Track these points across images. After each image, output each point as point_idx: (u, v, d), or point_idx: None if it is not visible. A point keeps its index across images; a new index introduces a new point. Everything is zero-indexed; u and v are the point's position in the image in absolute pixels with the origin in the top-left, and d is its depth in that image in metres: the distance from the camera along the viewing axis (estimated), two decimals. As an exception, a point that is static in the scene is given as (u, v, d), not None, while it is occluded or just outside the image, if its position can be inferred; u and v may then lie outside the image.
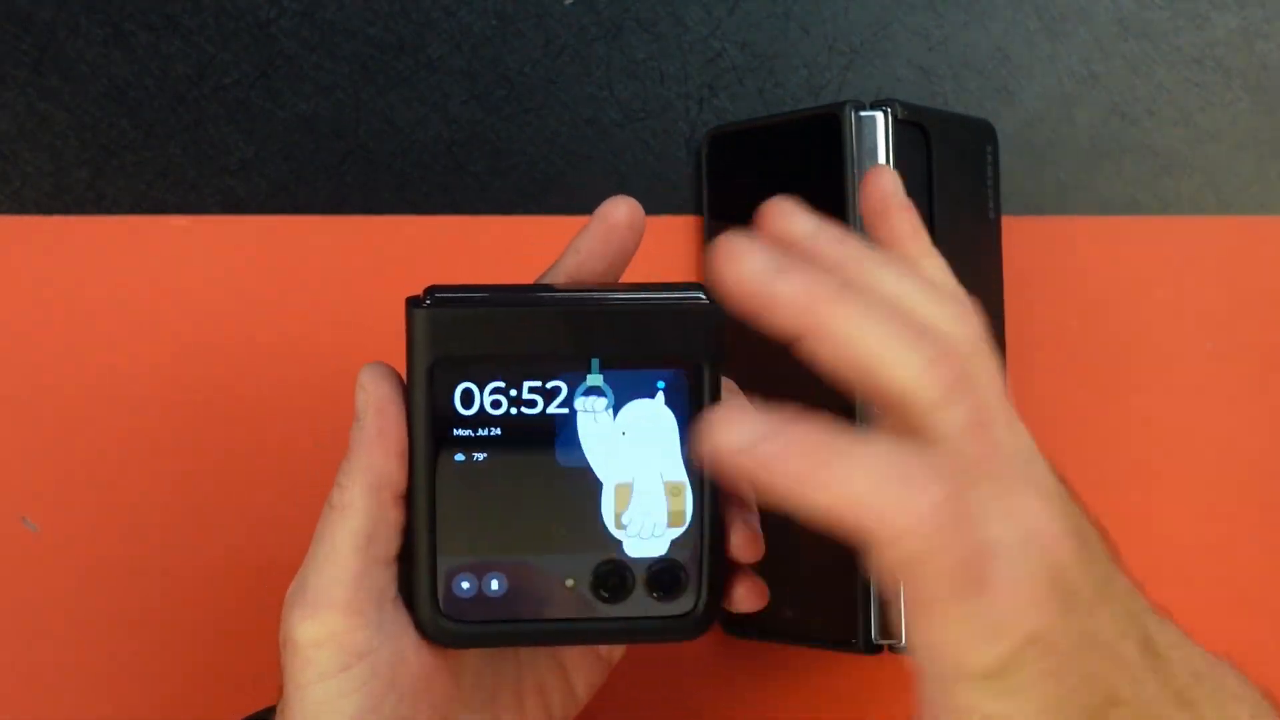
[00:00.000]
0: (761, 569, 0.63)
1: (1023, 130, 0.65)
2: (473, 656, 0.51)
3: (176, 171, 0.64)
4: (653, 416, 0.49)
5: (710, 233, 0.64)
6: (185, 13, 0.64)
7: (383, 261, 0.64)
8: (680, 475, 0.49)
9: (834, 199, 0.59)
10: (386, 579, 0.48)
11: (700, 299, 0.49)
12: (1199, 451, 0.65)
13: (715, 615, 0.50)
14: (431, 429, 0.48)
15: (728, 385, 0.50)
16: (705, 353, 0.49)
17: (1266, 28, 0.66)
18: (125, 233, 0.64)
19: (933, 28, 0.65)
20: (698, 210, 0.65)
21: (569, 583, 0.49)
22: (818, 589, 0.61)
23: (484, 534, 0.49)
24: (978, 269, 0.63)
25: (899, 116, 0.59)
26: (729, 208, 0.64)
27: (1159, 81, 0.66)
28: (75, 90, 0.64)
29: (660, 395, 0.49)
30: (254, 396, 0.63)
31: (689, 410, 0.49)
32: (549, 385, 0.49)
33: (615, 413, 0.49)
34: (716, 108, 0.65)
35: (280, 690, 0.49)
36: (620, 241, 0.50)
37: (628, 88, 0.65)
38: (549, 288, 0.50)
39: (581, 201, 0.64)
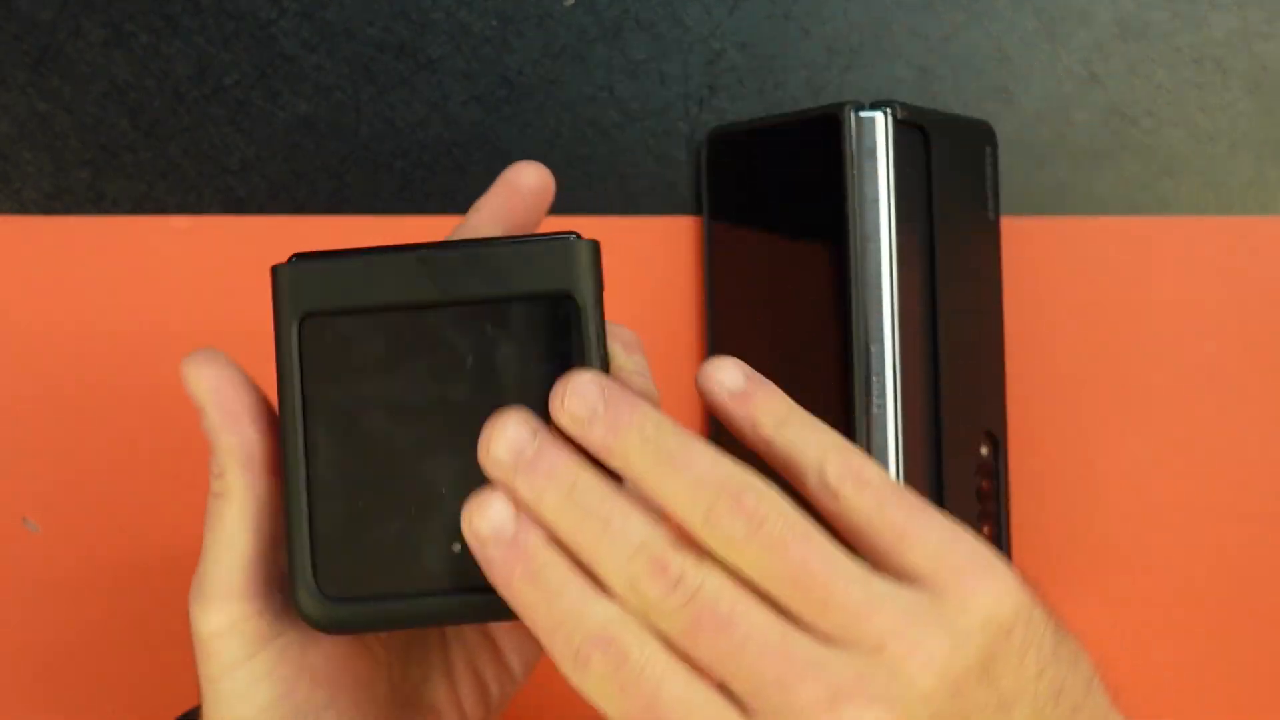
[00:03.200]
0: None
1: (1022, 130, 0.65)
2: (388, 639, 0.50)
3: (177, 172, 0.64)
4: (530, 360, 0.46)
5: (710, 233, 0.64)
6: (185, 13, 0.64)
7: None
8: None
9: (834, 200, 0.59)
10: (275, 559, 0.47)
11: (569, 237, 0.46)
12: (1199, 451, 0.65)
13: None
14: (302, 390, 0.45)
15: (618, 331, 0.48)
16: (576, 287, 0.45)
17: (1266, 29, 0.66)
18: (125, 233, 0.64)
19: (932, 28, 0.65)
20: (698, 210, 0.65)
21: (455, 548, 0.45)
22: None
23: (362, 497, 0.45)
24: (976, 269, 0.63)
25: (899, 117, 0.59)
26: (729, 208, 0.64)
27: (1158, 82, 0.66)
28: (76, 91, 0.64)
29: (540, 336, 0.46)
30: (254, 397, 0.63)
31: (569, 350, 0.45)
32: (420, 336, 0.46)
33: (492, 358, 0.46)
34: (716, 108, 0.65)
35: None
36: (524, 206, 0.50)
37: (628, 88, 0.65)
38: (416, 243, 0.47)
39: (581, 201, 0.64)
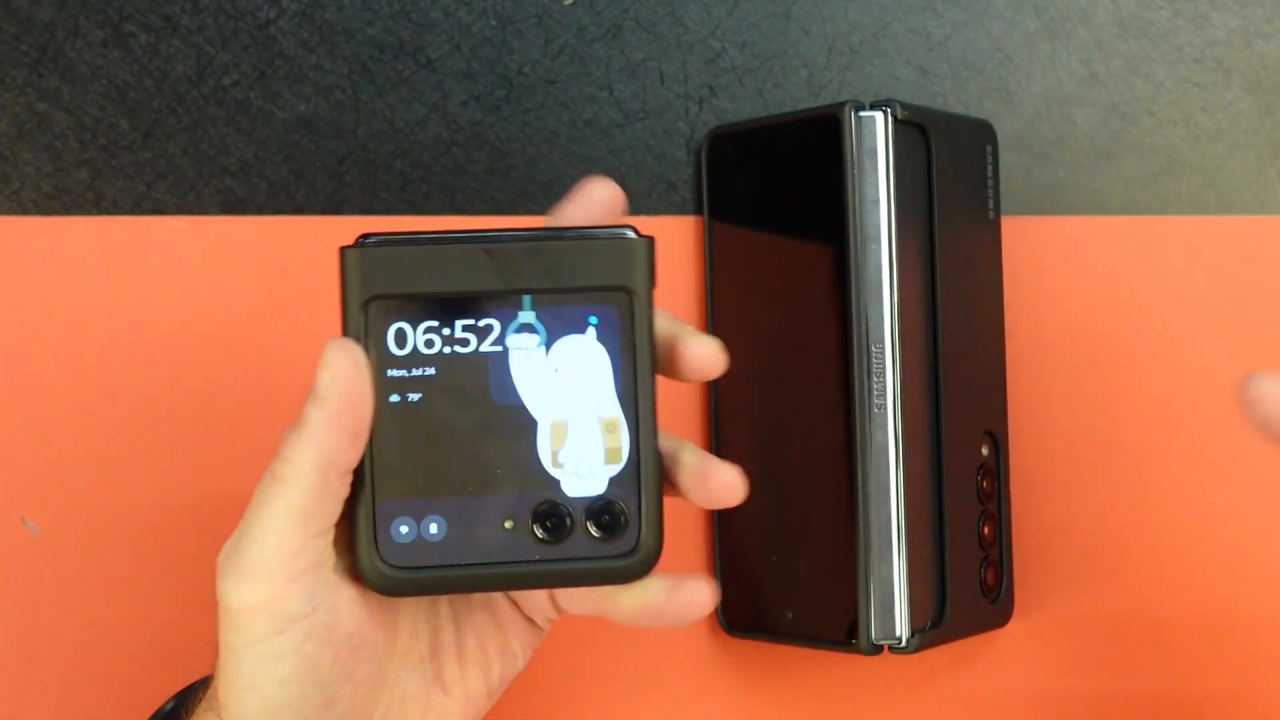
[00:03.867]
0: (762, 569, 0.63)
1: (1023, 130, 0.65)
2: (409, 614, 0.52)
3: (176, 172, 0.64)
4: (585, 352, 0.49)
5: (710, 233, 0.64)
6: (185, 13, 0.64)
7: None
8: (615, 411, 0.49)
9: (834, 200, 0.59)
10: (324, 549, 0.48)
11: (627, 233, 0.49)
12: (1199, 451, 0.65)
13: (656, 555, 0.49)
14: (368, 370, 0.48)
15: (664, 313, 0.50)
16: (633, 283, 0.49)
17: (1266, 27, 0.66)
18: (125, 233, 0.64)
19: (933, 28, 0.65)
20: (698, 210, 0.65)
21: (508, 524, 0.49)
22: (818, 589, 0.61)
23: (421, 476, 0.49)
24: (977, 269, 0.63)
25: (899, 117, 0.59)
26: (729, 208, 0.64)
27: (1159, 81, 0.66)
28: (75, 91, 0.64)
29: (592, 330, 0.49)
30: (254, 397, 0.63)
31: (621, 345, 0.49)
32: (481, 323, 0.48)
33: (548, 349, 0.49)
34: (716, 108, 0.65)
35: (216, 653, 0.49)
36: (599, 218, 0.51)
37: (628, 88, 0.65)
38: (481, 230, 0.49)
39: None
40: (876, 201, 0.59)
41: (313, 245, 0.64)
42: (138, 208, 0.64)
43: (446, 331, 0.49)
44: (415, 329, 0.48)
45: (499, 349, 0.49)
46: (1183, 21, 0.66)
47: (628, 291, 0.49)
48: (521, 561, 0.49)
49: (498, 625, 0.53)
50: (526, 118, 0.65)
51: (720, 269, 0.64)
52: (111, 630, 0.63)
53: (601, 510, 0.49)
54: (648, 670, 0.64)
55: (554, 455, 0.49)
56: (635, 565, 0.49)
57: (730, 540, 0.63)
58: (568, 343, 0.49)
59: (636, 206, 0.65)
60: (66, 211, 0.64)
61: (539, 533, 0.49)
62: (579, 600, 0.53)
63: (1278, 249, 0.66)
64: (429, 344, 0.49)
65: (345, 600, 0.49)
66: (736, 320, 0.63)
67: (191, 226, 0.64)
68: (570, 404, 0.49)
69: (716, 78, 0.65)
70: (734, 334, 0.63)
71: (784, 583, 0.62)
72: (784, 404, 0.62)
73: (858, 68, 0.65)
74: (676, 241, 0.65)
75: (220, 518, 0.63)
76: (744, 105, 0.65)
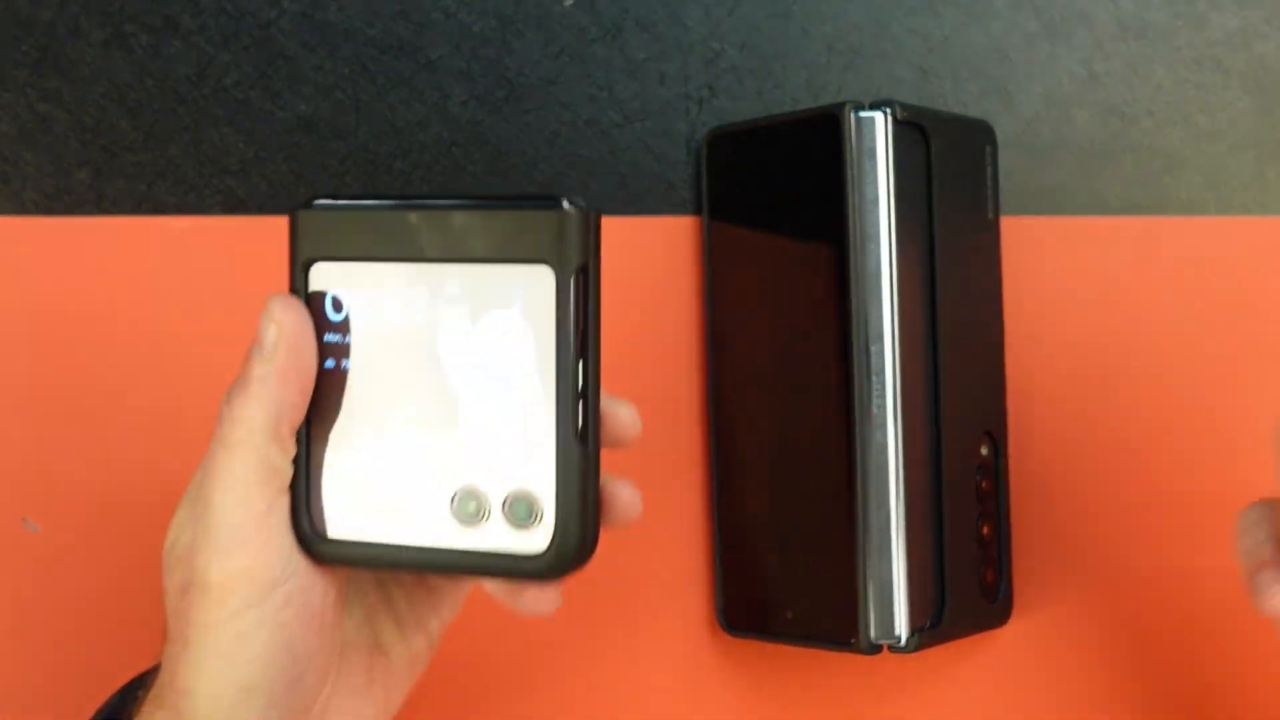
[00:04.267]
0: (762, 569, 0.63)
1: (1022, 130, 0.65)
2: (357, 583, 0.52)
3: (177, 172, 0.64)
4: (511, 329, 0.46)
5: (710, 233, 0.64)
6: (185, 14, 0.64)
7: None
8: (538, 397, 0.45)
9: (834, 200, 0.59)
10: (285, 510, 0.48)
11: (561, 204, 0.45)
12: (1200, 451, 0.65)
13: (570, 558, 0.45)
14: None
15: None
16: (560, 257, 0.45)
17: (1265, 28, 0.66)
18: (125, 233, 0.64)
19: (932, 28, 0.65)
20: (698, 210, 0.65)
21: (432, 504, 0.47)
22: (818, 589, 0.61)
23: (355, 448, 0.48)
24: (976, 269, 0.63)
25: (899, 117, 0.59)
26: (729, 208, 0.64)
27: (1158, 82, 0.66)
28: (76, 91, 0.64)
29: (519, 306, 0.45)
30: (254, 397, 0.63)
31: (549, 325, 0.45)
32: (411, 293, 0.47)
33: (475, 324, 0.46)
34: (716, 108, 0.65)
35: (164, 641, 0.49)
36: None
37: (628, 88, 0.65)
38: (427, 194, 0.50)
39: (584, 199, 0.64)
40: (876, 201, 0.59)
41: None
42: (138, 208, 0.64)
43: (378, 301, 0.47)
44: (352, 296, 0.47)
45: (427, 320, 0.46)
46: (1182, 22, 0.66)
47: (558, 266, 0.44)
48: (442, 548, 0.47)
49: (423, 582, 0.53)
50: (526, 118, 0.65)
51: (720, 269, 0.64)
52: (111, 630, 0.63)
53: (517, 500, 0.46)
54: (647, 670, 0.64)
55: (475, 436, 0.46)
56: (546, 565, 0.46)
57: (730, 540, 0.63)
58: (494, 317, 0.46)
59: (637, 206, 0.65)
60: (67, 211, 0.64)
61: (459, 517, 0.47)
62: None
63: (1277, 249, 0.66)
64: (362, 312, 0.47)
65: (307, 566, 0.48)
66: (736, 320, 0.63)
67: (192, 226, 0.64)
68: (494, 384, 0.46)
69: (716, 78, 0.65)
70: (734, 334, 0.63)
71: (784, 583, 0.62)
72: (783, 404, 0.62)
73: (858, 68, 0.65)
74: (676, 241, 0.65)
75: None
76: (744, 105, 0.65)
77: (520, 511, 0.46)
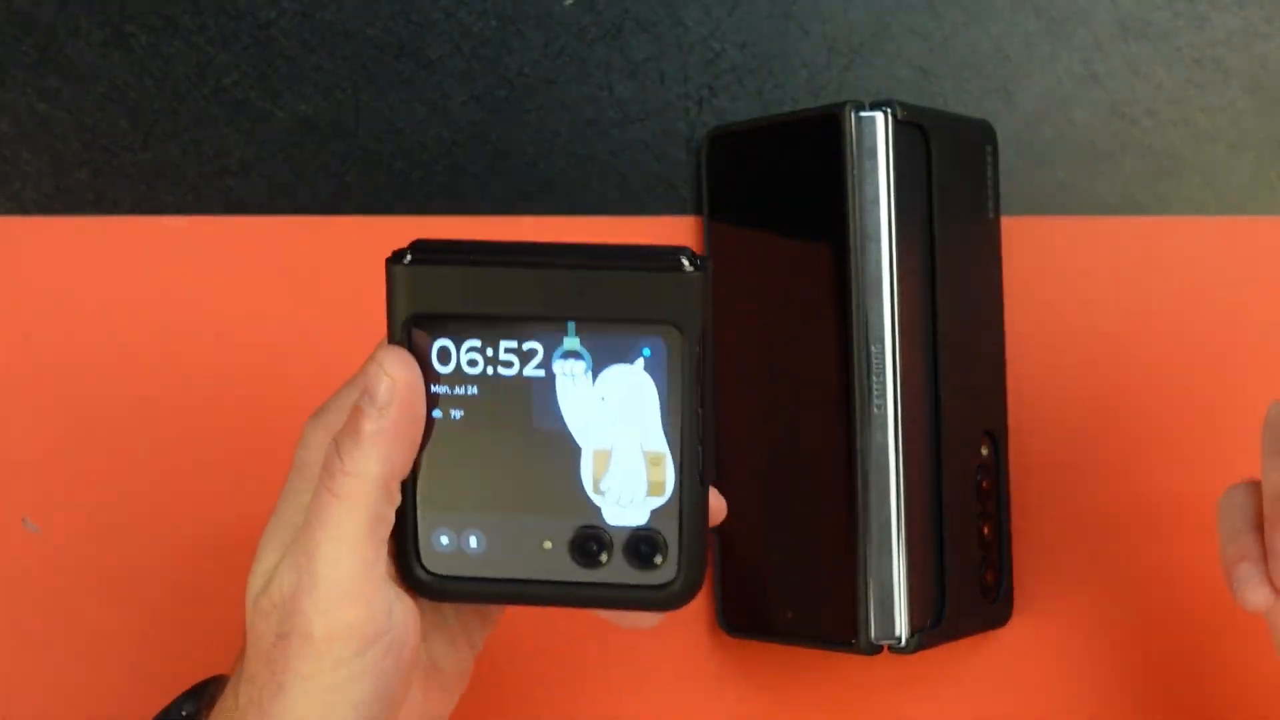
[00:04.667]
0: (762, 569, 0.63)
1: (1023, 130, 0.65)
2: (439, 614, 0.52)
3: (176, 172, 0.64)
4: (633, 383, 0.48)
5: (710, 233, 0.64)
6: (185, 14, 0.64)
7: (382, 262, 0.64)
8: (661, 445, 0.48)
9: (834, 200, 0.59)
10: (387, 560, 0.48)
11: (683, 264, 0.47)
12: (1199, 451, 0.65)
13: (695, 588, 0.48)
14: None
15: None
16: (684, 319, 0.47)
17: (1266, 28, 0.66)
18: (125, 233, 0.64)
19: (933, 28, 0.65)
20: (698, 210, 0.65)
21: (546, 545, 0.49)
22: (818, 589, 0.61)
23: (462, 492, 0.49)
24: (976, 269, 0.63)
25: (899, 117, 0.59)
26: (729, 208, 0.64)
27: (1159, 82, 0.66)
28: (75, 91, 0.64)
29: (640, 362, 0.47)
30: (254, 396, 0.63)
31: (670, 377, 0.47)
32: (525, 346, 0.48)
33: (594, 377, 0.48)
34: (716, 108, 0.65)
35: (243, 678, 0.48)
36: None
37: (628, 88, 0.65)
38: (533, 246, 0.49)
39: (581, 201, 0.64)
40: (876, 201, 0.59)
41: (313, 245, 0.64)
42: (138, 208, 0.64)
43: (490, 352, 0.48)
44: (459, 348, 0.48)
45: (543, 373, 0.48)
46: (1183, 22, 0.66)
47: (678, 326, 0.47)
48: (558, 582, 0.49)
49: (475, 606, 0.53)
50: (526, 118, 0.65)
51: (720, 269, 0.64)
52: (111, 630, 0.63)
53: (641, 541, 0.48)
54: (647, 670, 0.64)
55: (596, 483, 0.48)
56: (672, 597, 0.48)
57: (730, 540, 0.63)
58: (615, 371, 0.48)
59: (637, 206, 0.65)
60: (67, 211, 0.64)
61: (577, 557, 0.49)
62: None
63: (1278, 249, 0.66)
64: (472, 363, 0.48)
65: (406, 610, 0.48)
66: (736, 320, 0.63)
67: (191, 226, 0.64)
68: (615, 433, 0.48)
69: (716, 78, 0.65)
70: (734, 334, 0.63)
71: (784, 583, 0.62)
72: (784, 404, 0.62)
73: (858, 68, 0.65)
74: (676, 241, 0.65)
75: (219, 515, 0.63)
76: (744, 105, 0.65)
77: (645, 552, 0.48)
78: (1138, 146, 0.65)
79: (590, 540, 0.48)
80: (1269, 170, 0.66)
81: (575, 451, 0.48)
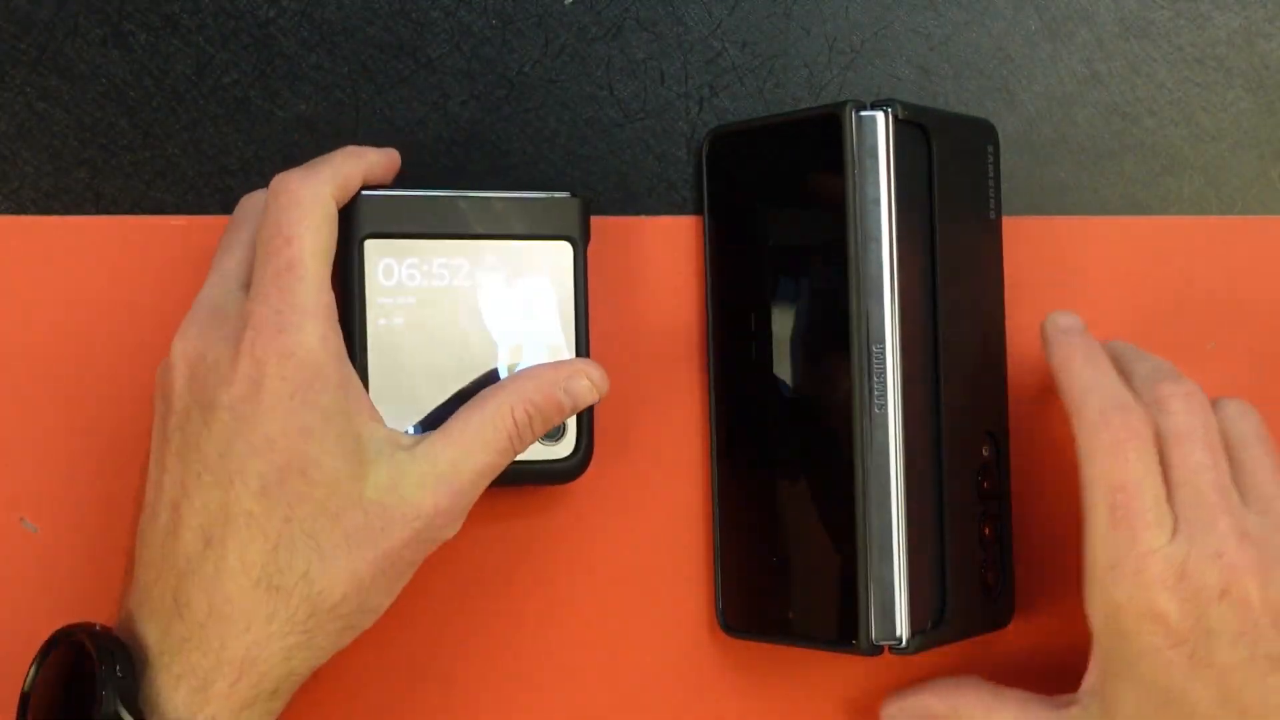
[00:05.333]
0: (762, 569, 0.63)
1: (1023, 130, 0.65)
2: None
3: (175, 171, 0.64)
4: (538, 288, 0.60)
5: (710, 233, 0.64)
6: (184, 12, 0.64)
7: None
8: (559, 338, 0.60)
9: (834, 199, 0.59)
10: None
11: (569, 195, 0.60)
12: (1200, 452, 0.65)
13: (587, 462, 0.61)
14: (362, 297, 0.59)
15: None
16: (575, 235, 0.60)
17: (1268, 27, 0.66)
18: (124, 233, 0.64)
19: (933, 27, 0.65)
20: (698, 210, 0.65)
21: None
22: (818, 589, 0.61)
23: (403, 386, 0.59)
24: (978, 269, 0.63)
25: (899, 116, 0.59)
26: (729, 208, 0.64)
27: (1160, 81, 0.65)
28: (74, 90, 0.64)
29: (546, 272, 0.60)
30: (253, 397, 0.63)
31: (566, 284, 0.60)
32: (454, 262, 0.60)
33: (509, 285, 0.60)
34: (716, 108, 0.65)
35: None
36: None
37: (628, 88, 0.65)
38: (456, 189, 0.60)
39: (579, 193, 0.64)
40: (878, 201, 0.59)
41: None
42: (137, 207, 0.64)
43: (425, 268, 0.60)
44: (400, 264, 0.59)
45: (469, 284, 0.60)
46: (1184, 21, 0.66)
47: (571, 240, 0.60)
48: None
49: None
50: (526, 117, 0.65)
51: (720, 269, 0.64)
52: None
53: None
54: (647, 670, 0.64)
55: (510, 370, 0.60)
56: (573, 467, 0.61)
57: (730, 541, 0.63)
58: (525, 279, 0.60)
59: (637, 206, 0.65)
60: (66, 211, 0.64)
61: None
62: None
63: (1278, 249, 0.66)
64: (411, 277, 0.59)
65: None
66: (736, 320, 0.63)
67: (191, 226, 0.64)
68: (524, 330, 0.60)
69: (717, 77, 0.65)
70: (732, 333, 0.63)
71: (784, 583, 0.62)
72: (784, 404, 0.62)
73: (858, 67, 0.65)
74: (676, 241, 0.65)
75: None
76: (744, 105, 0.65)
77: (552, 430, 0.60)
78: (1139, 146, 0.65)
79: None
80: (1270, 170, 0.65)
81: (494, 346, 0.60)
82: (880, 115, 0.59)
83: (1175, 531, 0.55)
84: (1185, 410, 0.57)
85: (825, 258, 0.60)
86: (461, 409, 0.56)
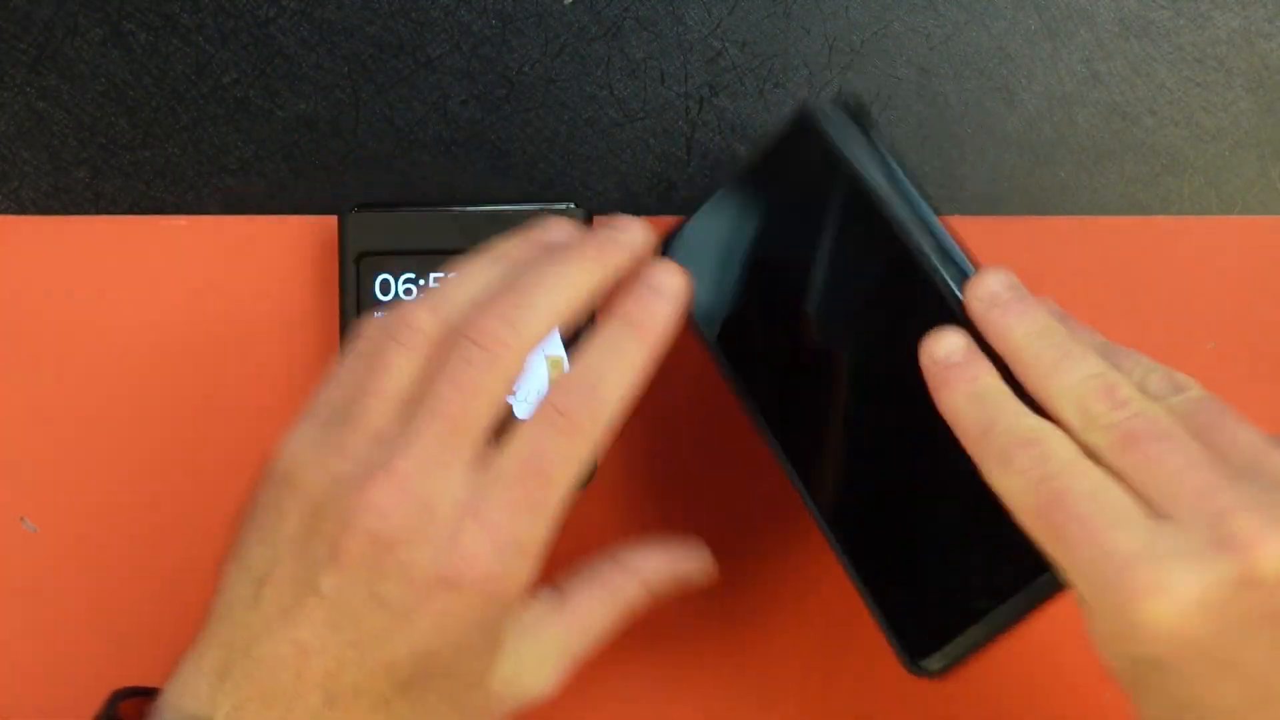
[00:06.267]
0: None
1: (1023, 130, 0.65)
2: None
3: (175, 171, 0.64)
4: None
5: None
6: (184, 12, 0.64)
7: (382, 261, 0.64)
8: (558, 350, 0.59)
9: (852, 193, 0.55)
10: None
11: (571, 206, 0.61)
12: (1200, 452, 0.65)
13: (590, 475, 0.59)
14: (358, 312, 0.60)
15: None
16: None
17: (1268, 27, 0.66)
18: (124, 233, 0.64)
19: (934, 27, 0.65)
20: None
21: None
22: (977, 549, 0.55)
23: None
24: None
25: (849, 104, 0.55)
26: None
27: (1160, 81, 0.65)
28: (74, 90, 0.64)
29: None
30: (254, 396, 0.63)
31: None
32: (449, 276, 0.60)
33: None
34: (717, 107, 0.65)
35: None
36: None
37: (628, 87, 0.65)
38: (453, 202, 0.62)
39: (581, 201, 0.64)
40: (892, 174, 0.54)
41: (312, 245, 0.64)
42: (137, 207, 0.64)
43: (422, 282, 0.60)
44: (397, 279, 0.60)
45: None
46: (1185, 21, 0.66)
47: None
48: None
49: None
50: (526, 117, 0.65)
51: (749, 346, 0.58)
52: (110, 630, 0.63)
53: None
54: (647, 667, 0.64)
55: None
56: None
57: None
58: None
59: (637, 207, 0.65)
60: (65, 210, 0.64)
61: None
62: None
63: (1279, 249, 0.65)
64: (407, 292, 0.61)
65: None
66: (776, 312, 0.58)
67: (191, 226, 0.64)
68: None
69: (717, 77, 0.65)
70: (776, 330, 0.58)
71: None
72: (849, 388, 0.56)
73: (858, 67, 0.65)
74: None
75: (219, 515, 0.63)
76: (745, 104, 0.65)
77: None
78: (1139, 146, 0.65)
79: (503, 433, 0.57)
80: (1271, 170, 0.65)
81: None
82: (834, 108, 0.55)
83: (1164, 533, 0.46)
84: (1117, 411, 0.48)
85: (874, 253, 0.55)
86: (581, 582, 0.53)
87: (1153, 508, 0.46)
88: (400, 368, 0.50)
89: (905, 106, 0.65)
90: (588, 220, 0.61)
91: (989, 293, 0.51)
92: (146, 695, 0.52)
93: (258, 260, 0.64)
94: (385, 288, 0.61)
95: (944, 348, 0.51)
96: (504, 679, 0.51)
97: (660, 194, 0.65)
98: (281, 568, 0.49)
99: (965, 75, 0.65)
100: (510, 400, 0.57)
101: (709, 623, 0.64)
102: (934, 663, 0.53)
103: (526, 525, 0.49)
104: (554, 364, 0.60)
